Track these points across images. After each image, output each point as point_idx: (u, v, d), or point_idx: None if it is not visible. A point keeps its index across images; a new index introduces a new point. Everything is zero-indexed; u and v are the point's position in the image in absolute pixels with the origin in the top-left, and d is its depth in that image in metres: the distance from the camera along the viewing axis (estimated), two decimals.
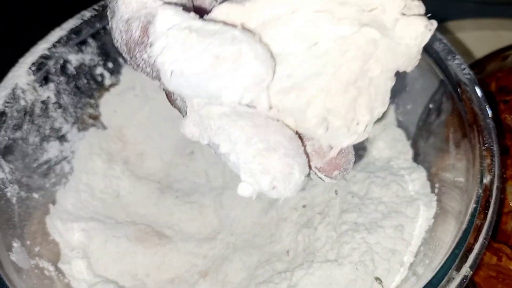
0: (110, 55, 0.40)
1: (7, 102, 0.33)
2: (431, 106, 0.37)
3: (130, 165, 0.40)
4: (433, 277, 0.27)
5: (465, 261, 0.27)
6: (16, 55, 0.35)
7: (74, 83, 0.37)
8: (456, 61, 0.33)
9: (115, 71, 0.40)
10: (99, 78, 0.39)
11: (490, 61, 0.44)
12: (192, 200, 0.39)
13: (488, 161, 0.30)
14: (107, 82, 0.40)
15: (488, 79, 0.43)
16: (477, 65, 0.44)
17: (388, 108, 0.39)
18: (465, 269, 0.27)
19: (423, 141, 0.38)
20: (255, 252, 0.35)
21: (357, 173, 0.36)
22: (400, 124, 0.39)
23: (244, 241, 0.36)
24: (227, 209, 0.38)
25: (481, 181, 0.29)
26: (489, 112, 0.31)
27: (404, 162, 0.37)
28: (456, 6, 0.56)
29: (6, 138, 0.32)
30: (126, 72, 0.40)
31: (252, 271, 0.34)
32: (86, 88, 0.38)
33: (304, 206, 0.36)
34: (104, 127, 0.40)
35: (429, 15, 0.22)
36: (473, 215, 0.29)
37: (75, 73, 0.37)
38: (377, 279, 0.31)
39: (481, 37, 0.51)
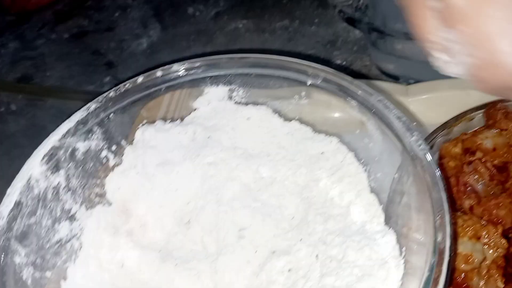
0: (114, 139, 0.45)
1: (23, 192, 0.37)
2: (396, 175, 0.41)
3: (134, 236, 0.45)
4: None
5: None
6: None
7: (81, 167, 0.42)
8: (414, 138, 0.37)
9: (118, 153, 0.45)
10: (104, 160, 0.44)
11: (456, 123, 0.49)
12: (190, 267, 0.43)
13: (440, 222, 0.34)
14: (111, 162, 0.45)
15: (454, 141, 0.47)
16: (444, 128, 0.49)
17: (361, 175, 0.43)
18: None
19: (397, 203, 0.42)
20: None
21: (336, 237, 0.40)
22: (372, 190, 0.43)
23: None
24: (222, 273, 0.42)
25: (436, 239, 0.34)
26: (442, 185, 0.35)
27: (377, 225, 0.41)
28: (427, 68, 0.61)
29: (22, 225, 0.37)
30: (128, 153, 0.45)
31: None
32: (92, 170, 0.43)
33: (289, 270, 0.40)
34: (109, 203, 0.44)
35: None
36: (431, 269, 0.32)
37: (82, 158, 0.42)
38: None
39: (451, 96, 0.55)
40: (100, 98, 0.43)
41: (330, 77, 0.43)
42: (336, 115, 0.44)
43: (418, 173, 0.37)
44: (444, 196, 0.34)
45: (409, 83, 0.59)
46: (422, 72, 0.61)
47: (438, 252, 0.33)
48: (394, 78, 0.64)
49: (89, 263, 0.41)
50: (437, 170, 0.36)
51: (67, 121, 0.42)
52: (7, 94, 0.73)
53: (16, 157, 0.38)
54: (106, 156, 0.44)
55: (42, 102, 0.71)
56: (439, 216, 0.34)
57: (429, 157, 0.36)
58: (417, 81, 0.59)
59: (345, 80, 0.42)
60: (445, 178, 0.41)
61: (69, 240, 0.41)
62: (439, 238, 0.33)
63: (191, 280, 0.42)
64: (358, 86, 0.42)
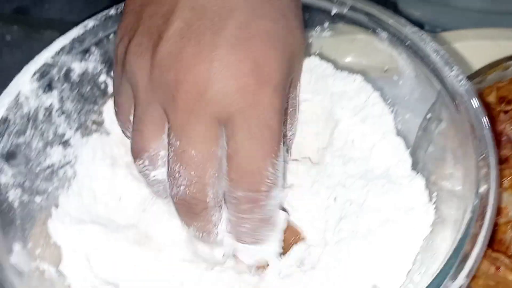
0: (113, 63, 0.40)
1: (10, 109, 0.33)
2: (429, 115, 0.37)
3: (133, 169, 0.41)
4: (428, 286, 0.27)
5: (461, 270, 0.28)
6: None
7: (77, 90, 0.38)
8: (453, 72, 0.33)
9: None
10: (103, 86, 0.40)
11: (490, 71, 0.45)
12: None
13: (485, 170, 0.30)
14: (110, 89, 0.40)
15: (488, 89, 0.43)
16: (477, 75, 0.44)
17: (387, 116, 0.39)
18: (461, 278, 0.27)
19: (422, 150, 0.38)
20: None
21: (356, 180, 0.36)
22: (399, 133, 0.39)
23: None
24: None
25: (477, 190, 0.30)
26: (486, 123, 0.31)
27: (402, 170, 0.37)
28: (455, 16, 0.56)
29: (9, 143, 0.33)
30: None
31: None
32: (89, 95, 0.39)
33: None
34: (107, 133, 0.40)
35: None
36: (469, 224, 0.29)
37: (78, 80, 0.38)
38: (374, 287, 0.31)
39: (480, 47, 0.51)
40: (99, 15, 0.39)
41: (358, 5, 0.38)
42: (362, 49, 0.40)
43: (457, 112, 0.33)
44: (489, 136, 0.30)
45: (435, 32, 0.55)
46: (450, 20, 0.57)
47: (480, 203, 0.29)
48: (420, 27, 0.60)
49: (83, 194, 0.38)
50: (480, 107, 0.32)
51: (61, 37, 0.38)
52: (1, 24, 0.68)
53: None
54: (104, 82, 0.40)
55: (39, 35, 0.66)
56: (482, 160, 0.30)
57: (471, 92, 0.32)
58: (443, 30, 0.54)
59: (375, 9, 0.38)
60: None
61: (62, 166, 0.37)
62: (482, 188, 0.29)
63: None
64: (390, 16, 0.37)
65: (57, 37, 0.37)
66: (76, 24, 0.38)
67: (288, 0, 0.30)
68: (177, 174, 0.28)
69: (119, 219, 0.38)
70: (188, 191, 0.28)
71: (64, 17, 0.68)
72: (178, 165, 0.28)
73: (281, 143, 0.28)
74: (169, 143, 0.28)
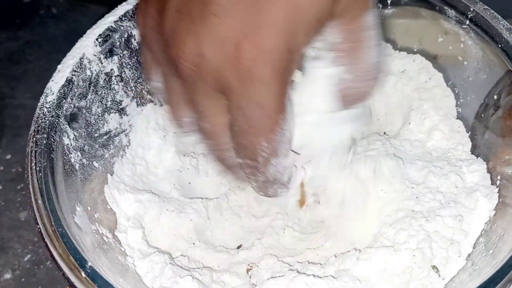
0: None
1: (75, 71, 0.33)
2: (494, 97, 0.36)
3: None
4: (495, 274, 0.27)
5: None
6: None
7: (136, 58, 0.38)
8: None
9: None
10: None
11: None
12: None
13: None
14: None
15: None
16: None
17: (448, 98, 0.38)
18: None
19: (482, 133, 0.37)
20: None
21: (415, 161, 0.36)
22: (459, 116, 0.38)
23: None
24: None
25: None
26: None
27: (462, 153, 0.36)
28: None
29: (72, 106, 0.33)
30: None
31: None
32: None
33: None
34: (161, 104, 0.40)
35: None
36: None
37: (137, 48, 0.38)
38: (434, 267, 0.31)
39: None
40: None
41: None
42: (425, 29, 0.39)
43: None
44: None
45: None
46: None
47: None
48: None
49: (136, 163, 0.38)
50: None
51: (124, 3, 0.37)
52: None
53: (55, 60, 0.34)
54: None
55: (84, 8, 0.67)
56: None
57: None
58: None
59: None
60: None
61: (118, 134, 0.37)
62: None
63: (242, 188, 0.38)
64: None
65: (102, 10, 0.36)
66: None
67: None
68: (202, 140, 0.30)
69: (170, 191, 0.38)
70: (213, 155, 0.30)
71: None
72: (199, 134, 0.29)
73: (281, 116, 0.27)
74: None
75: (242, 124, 0.27)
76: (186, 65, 0.26)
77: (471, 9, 0.35)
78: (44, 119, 0.31)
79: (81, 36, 0.36)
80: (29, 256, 0.43)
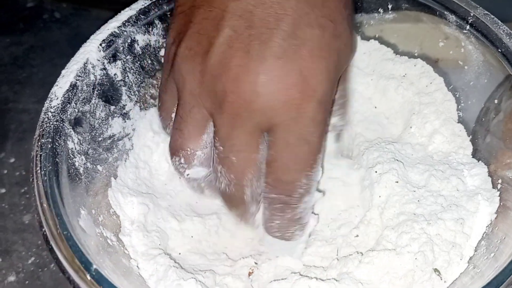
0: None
1: (79, 76, 0.34)
2: (495, 101, 0.36)
3: None
4: (497, 277, 0.27)
5: None
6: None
7: (139, 62, 0.38)
8: None
9: None
10: (163, 60, 0.40)
11: None
12: None
13: None
14: None
15: None
16: None
17: (449, 102, 0.39)
18: None
19: (483, 137, 0.37)
20: None
21: (416, 164, 0.36)
22: (460, 119, 0.38)
23: None
24: None
25: None
26: None
27: (463, 157, 0.37)
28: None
29: (76, 110, 0.33)
30: None
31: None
32: (150, 69, 0.39)
33: None
34: None
35: None
36: None
37: (140, 53, 0.38)
38: (436, 270, 0.31)
39: None
40: None
41: None
42: (426, 33, 0.39)
43: None
44: None
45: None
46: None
47: None
48: None
49: (139, 167, 0.38)
50: None
51: (127, 8, 0.38)
52: (51, 1, 0.69)
53: (59, 65, 0.35)
54: None
55: (87, 12, 0.67)
56: None
57: None
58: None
59: None
60: None
61: (121, 138, 0.37)
62: None
63: None
64: None
65: (105, 14, 0.37)
66: (123, 2, 0.38)
67: (337, 2, 0.29)
68: (219, 174, 0.30)
69: (174, 196, 0.38)
70: (227, 189, 0.30)
71: None
72: (220, 167, 0.30)
73: (319, 155, 0.29)
74: (214, 145, 0.30)
75: (287, 160, 0.28)
76: (237, 101, 0.27)
77: (471, 14, 0.36)
78: (49, 124, 0.31)
79: (85, 40, 0.36)
80: (33, 258, 0.44)
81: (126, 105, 0.38)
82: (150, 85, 0.40)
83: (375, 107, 0.41)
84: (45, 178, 0.29)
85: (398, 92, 0.40)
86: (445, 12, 0.37)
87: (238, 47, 0.27)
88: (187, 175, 0.33)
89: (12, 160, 0.50)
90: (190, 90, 0.29)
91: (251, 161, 0.29)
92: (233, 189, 0.30)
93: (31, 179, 0.29)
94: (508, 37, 0.34)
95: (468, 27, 0.36)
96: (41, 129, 0.31)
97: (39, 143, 0.30)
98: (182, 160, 0.32)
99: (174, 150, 0.32)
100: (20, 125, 0.54)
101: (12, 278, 0.42)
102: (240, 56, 0.27)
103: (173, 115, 0.33)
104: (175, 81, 0.31)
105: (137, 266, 0.32)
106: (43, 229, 0.27)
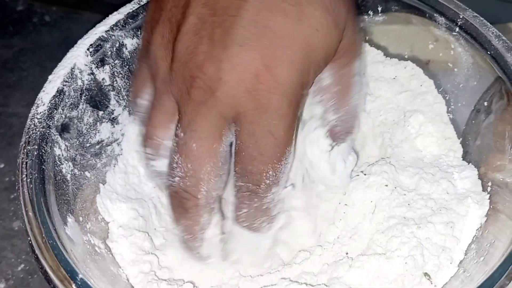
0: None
1: (66, 81, 0.33)
2: (485, 103, 0.36)
3: None
4: (487, 280, 0.27)
5: None
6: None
7: (127, 67, 0.38)
8: None
9: None
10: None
11: None
12: None
13: None
14: None
15: None
16: None
17: (439, 105, 0.38)
18: None
19: (474, 139, 0.37)
20: None
21: (406, 167, 0.36)
22: (451, 122, 0.38)
23: None
24: None
25: None
26: None
27: (454, 159, 0.36)
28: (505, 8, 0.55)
29: (63, 116, 0.33)
30: None
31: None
32: None
33: None
34: None
35: None
36: None
37: (129, 57, 0.38)
38: (426, 274, 0.31)
39: None
40: None
41: None
42: (416, 35, 0.39)
43: None
44: None
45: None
46: (499, 12, 0.56)
47: None
48: None
49: (128, 172, 0.38)
50: None
51: (115, 12, 0.37)
52: (40, 5, 0.69)
53: (50, 68, 0.35)
54: None
55: (78, 15, 0.67)
56: None
57: None
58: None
59: None
60: None
61: (110, 143, 0.37)
62: None
63: None
64: (448, 1, 0.36)
65: (95, 18, 0.37)
66: (114, 5, 0.38)
67: None
68: (175, 165, 0.28)
69: (162, 198, 0.38)
70: (182, 183, 0.28)
71: None
72: (178, 156, 0.28)
73: (288, 149, 0.28)
74: (175, 134, 0.29)
75: (252, 150, 0.27)
76: (202, 87, 0.27)
77: (461, 16, 0.36)
78: (35, 130, 0.31)
79: (75, 43, 0.36)
80: (22, 265, 0.43)
81: (114, 110, 0.38)
82: (133, 97, 0.40)
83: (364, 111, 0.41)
84: (31, 186, 0.28)
85: (387, 94, 0.40)
86: (435, 14, 0.37)
87: (203, 34, 0.27)
88: (152, 166, 0.31)
89: (2, 165, 0.50)
90: (162, 78, 0.29)
91: (212, 151, 0.28)
92: (188, 183, 0.28)
93: (17, 187, 0.29)
94: (497, 39, 0.34)
95: (457, 29, 0.36)
96: (27, 136, 0.31)
97: (25, 150, 0.30)
98: (149, 150, 0.31)
99: (143, 139, 0.31)
100: (10, 129, 0.53)
101: (1, 285, 0.42)
102: (206, 43, 0.27)
103: (141, 100, 0.32)
104: (148, 68, 0.31)
105: (125, 273, 0.32)
106: (29, 238, 0.26)
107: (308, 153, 0.33)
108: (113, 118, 0.37)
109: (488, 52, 0.34)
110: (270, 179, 0.28)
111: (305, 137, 0.33)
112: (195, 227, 0.30)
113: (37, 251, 0.26)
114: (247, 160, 0.28)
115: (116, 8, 0.38)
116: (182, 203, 0.29)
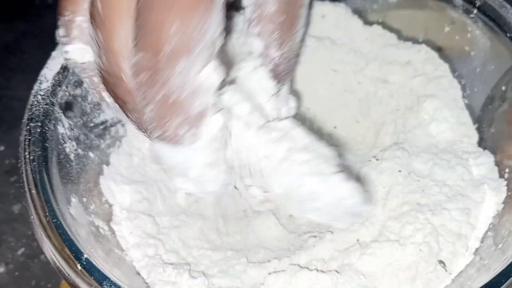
0: None
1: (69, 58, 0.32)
2: (502, 90, 0.35)
3: None
4: (505, 269, 0.26)
5: None
6: None
7: None
8: None
9: None
10: None
11: None
12: None
13: None
14: None
15: None
16: None
17: (454, 90, 0.37)
18: None
19: (489, 126, 0.36)
20: None
21: (420, 153, 0.35)
22: (466, 107, 0.37)
23: None
24: None
25: None
26: None
27: (468, 146, 0.35)
28: None
29: (67, 93, 0.32)
30: None
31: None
32: None
33: None
34: None
35: None
36: None
37: None
38: (440, 262, 0.30)
39: None
40: None
41: None
42: (431, 18, 0.38)
43: None
44: None
45: None
46: None
47: None
48: None
49: (133, 154, 0.37)
50: None
51: None
52: None
53: (51, 51, 0.34)
54: None
55: None
56: None
57: None
58: None
59: None
60: None
61: (115, 124, 0.36)
62: None
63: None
64: None
65: None
66: None
67: None
68: (92, 40, 0.22)
69: (167, 183, 0.37)
70: (101, 62, 0.22)
71: None
72: (90, 25, 0.22)
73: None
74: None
75: None
76: None
77: None
78: (38, 107, 0.30)
79: None
80: (23, 249, 0.42)
81: None
82: None
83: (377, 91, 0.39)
84: (34, 163, 0.27)
85: (401, 79, 0.39)
86: None
87: None
88: (66, 52, 0.25)
89: (2, 148, 0.49)
90: None
91: (120, 12, 0.21)
92: (105, 60, 0.22)
93: (19, 165, 0.28)
94: None
95: (475, 11, 0.35)
96: (30, 113, 0.30)
97: (28, 127, 0.29)
98: (61, 31, 0.25)
99: (58, 19, 0.26)
100: (11, 112, 0.52)
101: (1, 269, 0.41)
102: None
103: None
104: None
105: (129, 256, 0.31)
106: (32, 217, 0.25)
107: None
108: None
109: (508, 35, 0.33)
110: (174, 44, 0.20)
111: (245, 82, 0.27)
112: (137, 111, 0.23)
113: (41, 230, 0.25)
114: (148, 13, 0.20)
115: None
116: (112, 89, 0.23)
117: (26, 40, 0.61)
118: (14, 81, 0.55)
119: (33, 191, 0.26)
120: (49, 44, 0.63)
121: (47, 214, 0.25)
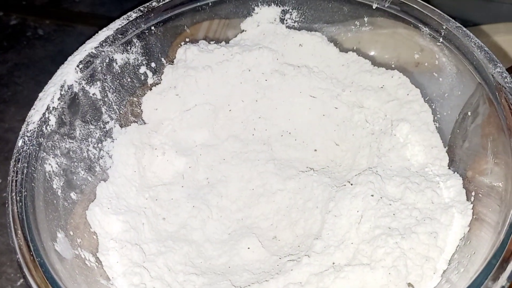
0: (153, 55, 0.41)
1: (56, 99, 0.34)
2: (469, 113, 0.36)
3: (168, 158, 0.41)
4: (469, 286, 0.27)
5: (502, 272, 0.27)
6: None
7: (118, 81, 0.39)
8: (498, 69, 0.33)
9: (157, 71, 0.41)
10: (142, 77, 0.40)
11: None
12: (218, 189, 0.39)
13: None
14: (150, 81, 0.41)
15: None
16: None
17: (425, 114, 0.39)
18: (502, 280, 0.27)
19: (459, 146, 0.38)
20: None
21: (393, 177, 0.36)
22: (437, 130, 0.38)
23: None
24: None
25: None
26: None
27: (439, 168, 0.37)
28: (491, 9, 0.55)
29: (54, 133, 0.33)
30: (168, 72, 0.41)
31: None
32: (129, 87, 0.40)
33: None
34: (144, 123, 0.41)
35: None
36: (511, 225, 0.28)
37: (119, 71, 0.39)
38: (409, 285, 0.31)
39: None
40: (142, 7, 0.39)
41: (400, 0, 0.38)
42: (403, 45, 0.40)
43: (499, 108, 0.32)
44: None
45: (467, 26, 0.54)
46: (481, 14, 0.56)
47: None
48: None
49: (119, 183, 0.38)
50: None
51: (105, 29, 0.38)
52: (34, 18, 0.69)
53: (44, 82, 0.35)
54: (144, 73, 0.41)
55: (71, 28, 0.67)
56: None
57: None
58: (474, 24, 0.53)
59: (418, 3, 0.37)
60: None
61: (102, 157, 0.38)
62: None
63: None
64: (432, 11, 0.37)
65: (89, 30, 0.37)
66: (107, 17, 0.38)
67: None
68: None
69: (155, 209, 0.38)
70: None
71: (95, 11, 0.69)
72: None
73: None
74: None
75: None
76: None
77: (444, 27, 0.36)
78: (25, 149, 0.31)
79: (69, 57, 0.36)
80: (22, 280, 0.44)
81: (107, 123, 0.38)
82: (130, 103, 0.40)
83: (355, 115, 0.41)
84: (20, 204, 0.29)
85: (375, 103, 0.40)
86: (419, 25, 0.37)
87: None
88: None
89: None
90: None
91: None
92: None
93: (6, 205, 0.29)
94: (479, 50, 0.34)
95: (441, 39, 0.36)
96: (17, 154, 0.31)
97: (15, 169, 0.30)
98: None
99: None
100: (6, 144, 0.54)
101: None
102: None
103: None
104: None
105: (115, 286, 0.32)
106: (17, 256, 0.27)
107: None
108: (105, 131, 0.38)
109: (471, 63, 0.34)
110: None
111: None
112: None
113: (25, 270, 0.26)
114: None
115: (110, 20, 0.39)
116: None
117: (19, 72, 0.62)
118: (8, 113, 0.57)
119: (19, 232, 0.28)
120: (41, 74, 0.65)
121: (32, 253, 0.27)
